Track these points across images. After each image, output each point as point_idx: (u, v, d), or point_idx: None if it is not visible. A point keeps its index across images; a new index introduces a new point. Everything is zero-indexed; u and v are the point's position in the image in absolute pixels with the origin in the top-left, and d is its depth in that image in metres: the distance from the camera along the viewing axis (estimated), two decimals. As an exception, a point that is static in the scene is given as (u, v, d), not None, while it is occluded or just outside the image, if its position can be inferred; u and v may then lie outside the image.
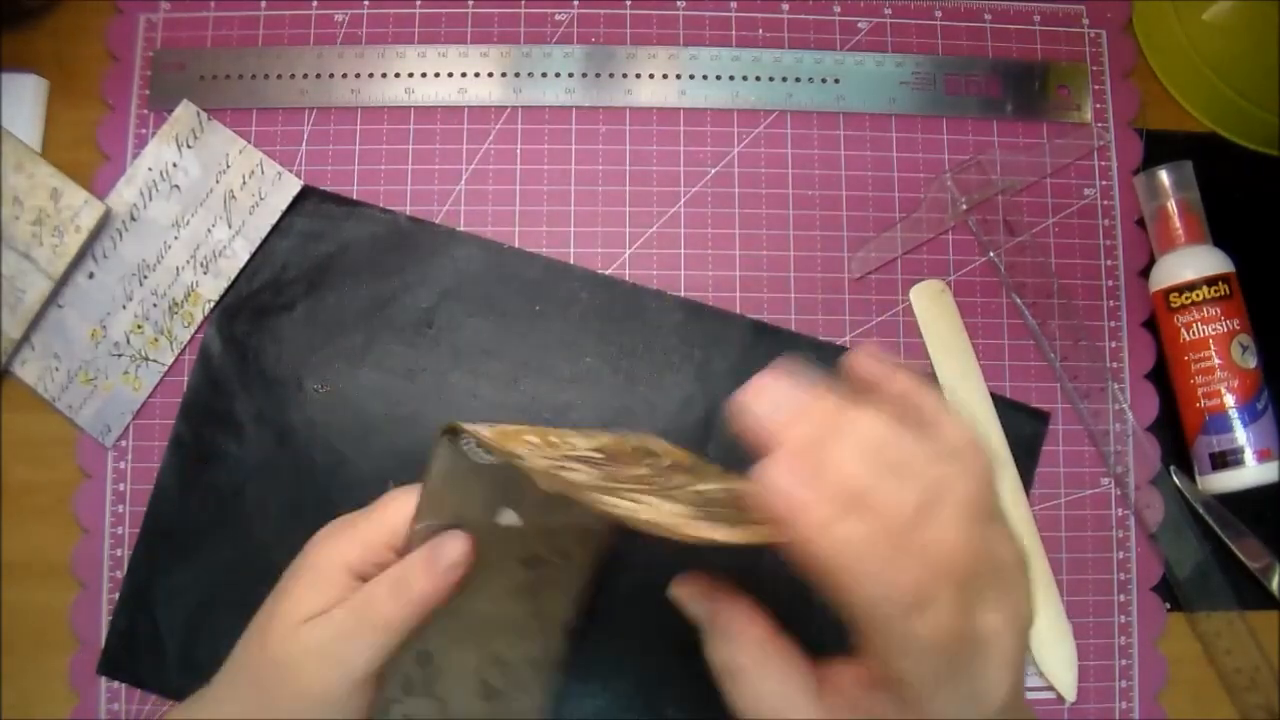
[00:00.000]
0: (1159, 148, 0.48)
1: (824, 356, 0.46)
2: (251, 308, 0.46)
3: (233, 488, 0.44)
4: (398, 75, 0.48)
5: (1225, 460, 0.45)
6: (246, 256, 0.46)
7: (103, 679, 0.44)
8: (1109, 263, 0.48)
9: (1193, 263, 0.46)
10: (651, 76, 0.48)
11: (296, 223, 0.46)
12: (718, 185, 0.48)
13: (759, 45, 0.49)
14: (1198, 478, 0.46)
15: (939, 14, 0.49)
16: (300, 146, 0.47)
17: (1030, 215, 0.48)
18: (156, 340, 0.45)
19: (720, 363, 0.46)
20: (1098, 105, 0.49)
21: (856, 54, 0.49)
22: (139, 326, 0.45)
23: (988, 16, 0.50)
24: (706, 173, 0.48)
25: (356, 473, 0.44)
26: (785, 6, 0.49)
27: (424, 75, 0.48)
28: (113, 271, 0.46)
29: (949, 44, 0.49)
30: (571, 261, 0.46)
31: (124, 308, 0.45)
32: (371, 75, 0.48)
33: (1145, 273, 0.48)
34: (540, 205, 0.47)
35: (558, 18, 0.49)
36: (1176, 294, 0.46)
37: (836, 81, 0.48)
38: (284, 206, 0.46)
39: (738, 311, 0.46)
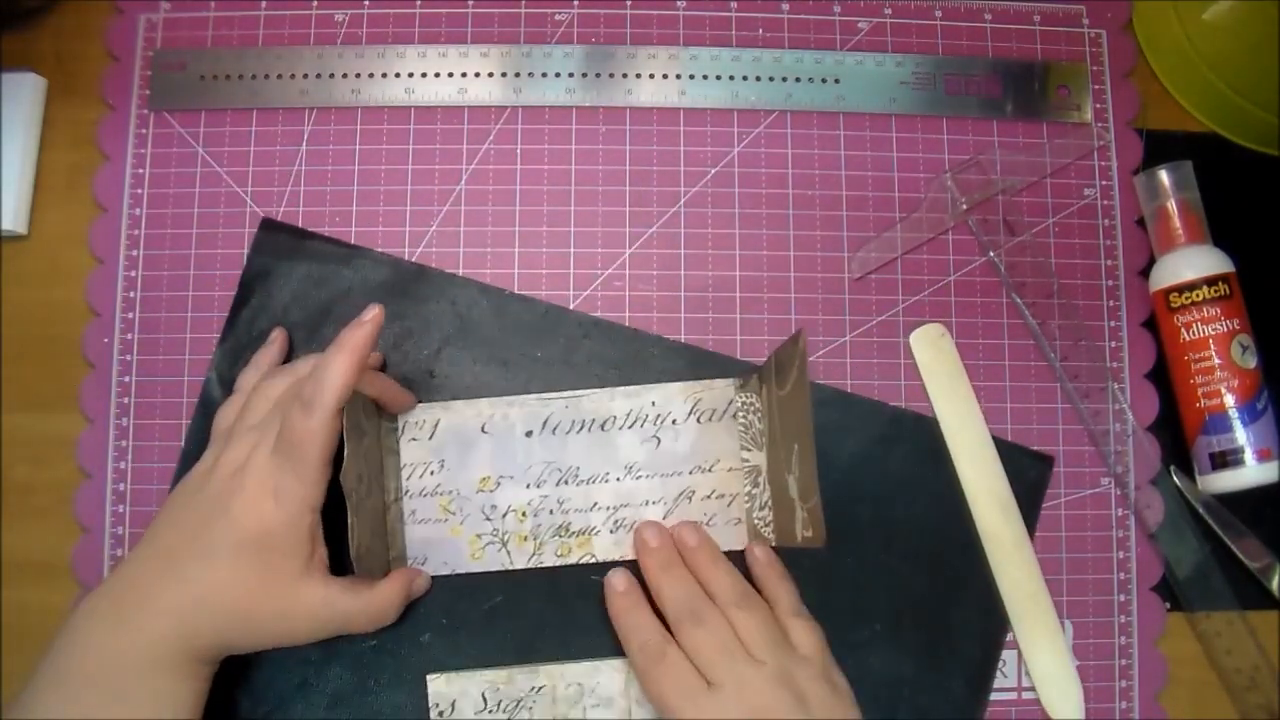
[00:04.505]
0: (1159, 148, 0.48)
1: (821, 399, 0.45)
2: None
3: None
4: (398, 75, 0.48)
5: (1225, 460, 0.45)
6: None
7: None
8: (1109, 263, 0.48)
9: (1193, 263, 0.46)
10: (651, 76, 0.48)
11: (298, 268, 0.46)
12: (718, 185, 0.48)
13: (759, 45, 0.49)
14: (1198, 478, 0.46)
15: (939, 14, 0.49)
16: (300, 146, 0.47)
17: (1030, 215, 0.48)
18: None
19: None
20: (1098, 105, 0.49)
21: (856, 54, 0.49)
22: None
23: (988, 16, 0.50)
24: (706, 173, 0.48)
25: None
26: (785, 6, 0.49)
27: (424, 75, 0.48)
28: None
29: (949, 44, 0.49)
30: (571, 262, 0.47)
31: None
32: (371, 75, 0.48)
33: (1145, 273, 0.48)
34: (540, 205, 0.47)
35: (558, 18, 0.49)
36: (1176, 294, 0.46)
37: (836, 81, 0.48)
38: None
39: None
